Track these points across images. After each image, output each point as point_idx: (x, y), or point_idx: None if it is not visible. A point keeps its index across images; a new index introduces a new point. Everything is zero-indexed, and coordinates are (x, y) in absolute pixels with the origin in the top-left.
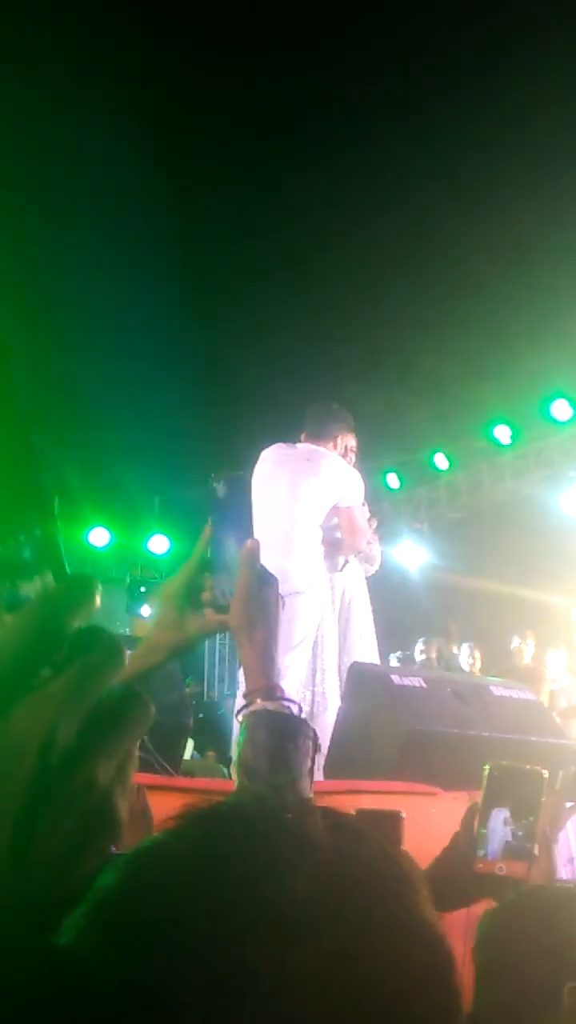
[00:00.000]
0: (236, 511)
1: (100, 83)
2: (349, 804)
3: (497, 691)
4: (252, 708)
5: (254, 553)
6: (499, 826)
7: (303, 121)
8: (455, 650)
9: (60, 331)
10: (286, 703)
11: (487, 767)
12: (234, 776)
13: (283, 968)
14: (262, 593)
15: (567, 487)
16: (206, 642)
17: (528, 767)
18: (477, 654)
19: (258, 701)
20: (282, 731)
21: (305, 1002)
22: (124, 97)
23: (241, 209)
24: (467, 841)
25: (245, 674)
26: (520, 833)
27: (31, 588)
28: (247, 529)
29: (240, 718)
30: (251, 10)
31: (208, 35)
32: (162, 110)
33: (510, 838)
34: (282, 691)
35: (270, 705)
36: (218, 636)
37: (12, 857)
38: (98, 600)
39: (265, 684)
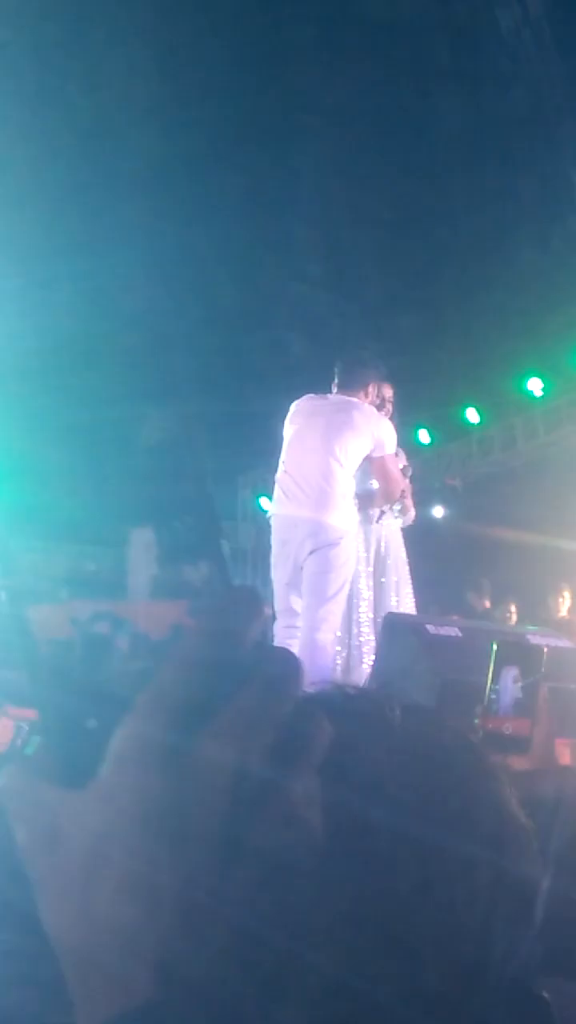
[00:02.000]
0: None
1: None
2: None
3: (533, 640)
4: None
5: None
6: (509, 684)
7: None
8: (487, 604)
9: None
10: None
11: (494, 643)
12: None
13: (359, 845)
14: None
15: None
16: None
17: (530, 643)
18: (513, 608)
19: None
20: None
21: (374, 883)
22: None
23: (271, 162)
24: None
25: None
26: (528, 691)
27: (196, 574)
28: None
29: None
30: None
31: None
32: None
33: (519, 695)
34: None
35: None
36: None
37: (218, 897)
38: (268, 611)
39: None
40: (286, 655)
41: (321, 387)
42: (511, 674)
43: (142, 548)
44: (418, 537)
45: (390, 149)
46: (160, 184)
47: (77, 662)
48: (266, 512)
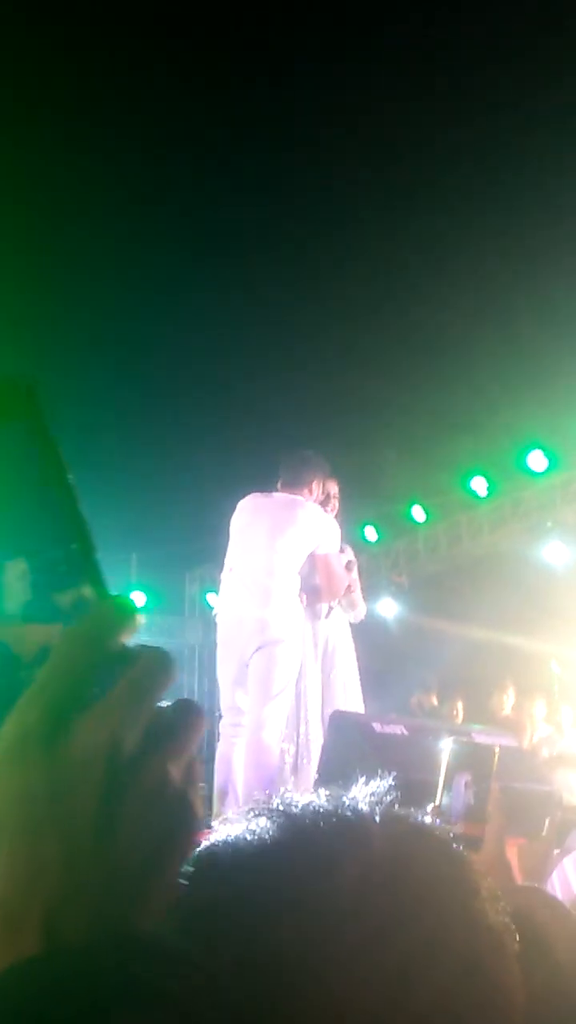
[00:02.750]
0: None
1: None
2: None
3: (479, 738)
4: None
5: None
6: (461, 790)
7: (280, 177)
8: (434, 702)
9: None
10: None
11: (447, 748)
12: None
13: (326, 959)
14: None
15: (544, 538)
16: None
17: (482, 744)
18: (460, 705)
19: None
20: None
21: (346, 996)
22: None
23: (218, 259)
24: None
25: None
26: (480, 796)
27: (65, 599)
28: None
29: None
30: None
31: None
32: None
33: (471, 801)
34: None
35: None
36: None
37: (96, 865)
38: (140, 619)
39: None
40: (154, 653)
41: (267, 484)
42: (464, 779)
43: (15, 577)
44: (365, 634)
45: (340, 250)
46: None
47: None
48: (212, 609)
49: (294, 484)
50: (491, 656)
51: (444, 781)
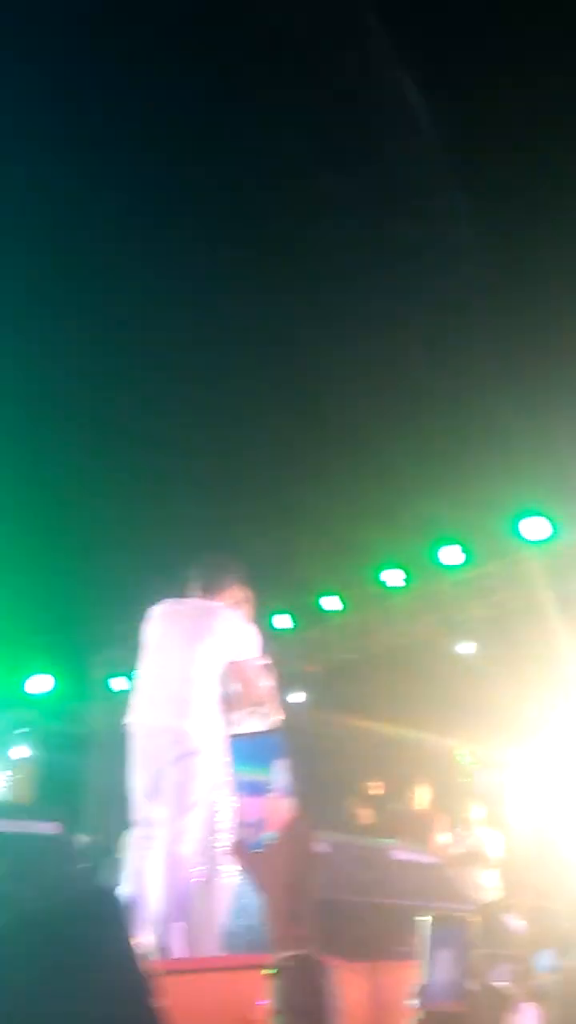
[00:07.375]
0: None
1: None
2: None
3: (400, 855)
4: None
5: None
6: (446, 967)
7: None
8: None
9: None
10: None
11: (428, 919)
12: None
13: None
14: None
15: (457, 631)
16: None
17: (456, 916)
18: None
19: None
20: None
21: None
22: None
23: (124, 345)
24: None
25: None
26: (462, 970)
27: None
28: None
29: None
30: None
31: None
32: None
33: (456, 977)
34: None
35: None
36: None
37: None
38: None
39: None
40: None
41: (175, 570)
42: (446, 955)
43: None
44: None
45: (258, 339)
46: None
47: None
48: (114, 691)
49: (210, 590)
50: (403, 747)
51: (426, 958)
